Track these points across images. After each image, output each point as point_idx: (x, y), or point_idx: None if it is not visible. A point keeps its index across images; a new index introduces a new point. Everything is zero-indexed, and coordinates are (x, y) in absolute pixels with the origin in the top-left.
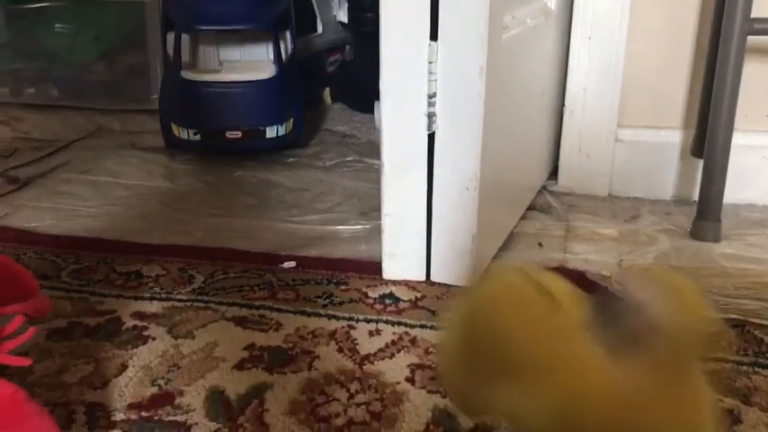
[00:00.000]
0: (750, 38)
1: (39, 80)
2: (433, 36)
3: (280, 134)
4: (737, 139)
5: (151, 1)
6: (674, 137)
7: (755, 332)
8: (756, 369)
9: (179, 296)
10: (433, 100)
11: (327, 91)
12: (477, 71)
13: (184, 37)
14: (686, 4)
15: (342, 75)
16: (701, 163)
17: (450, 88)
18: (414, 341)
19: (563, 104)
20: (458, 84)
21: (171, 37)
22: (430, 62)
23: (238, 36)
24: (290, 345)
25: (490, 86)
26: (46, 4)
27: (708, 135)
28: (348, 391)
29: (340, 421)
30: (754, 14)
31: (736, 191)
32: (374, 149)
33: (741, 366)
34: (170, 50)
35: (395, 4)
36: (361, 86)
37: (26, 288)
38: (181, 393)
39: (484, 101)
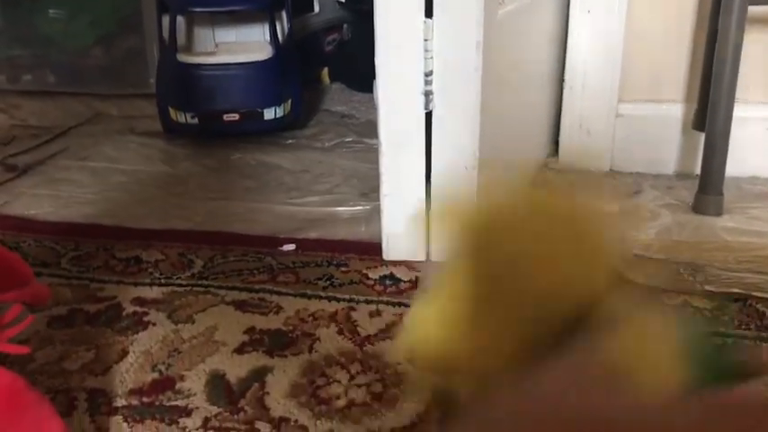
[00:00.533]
0: (751, 8)
1: (35, 66)
2: (428, 13)
3: (278, 116)
4: (739, 112)
5: None
6: (675, 110)
7: (758, 306)
8: (759, 343)
9: (179, 281)
10: (429, 78)
11: (325, 71)
12: (474, 47)
13: (179, 19)
14: None
15: (340, 54)
16: (702, 136)
17: (446, 66)
18: None
19: (562, 80)
20: (454, 61)
21: (166, 20)
22: (425, 40)
23: (234, 17)
24: (291, 327)
25: (487, 63)
26: None
27: (709, 108)
28: (349, 372)
29: (341, 403)
30: None
31: (738, 164)
32: (373, 129)
33: (744, 340)
34: (166, 34)
35: None
36: (359, 65)
37: (21, 276)
38: (181, 378)
39: (481, 78)
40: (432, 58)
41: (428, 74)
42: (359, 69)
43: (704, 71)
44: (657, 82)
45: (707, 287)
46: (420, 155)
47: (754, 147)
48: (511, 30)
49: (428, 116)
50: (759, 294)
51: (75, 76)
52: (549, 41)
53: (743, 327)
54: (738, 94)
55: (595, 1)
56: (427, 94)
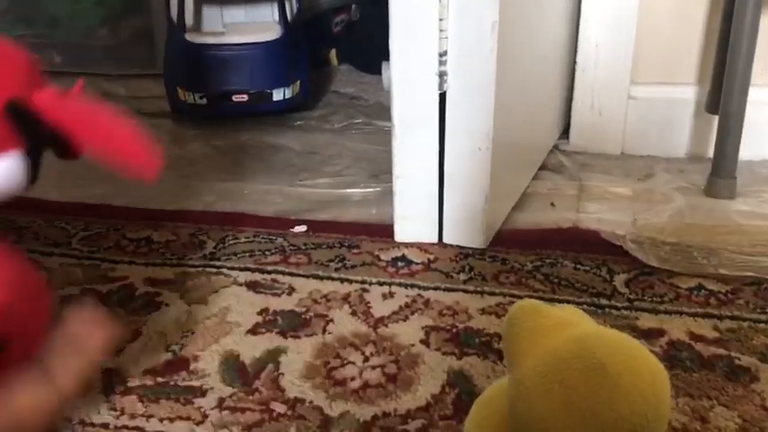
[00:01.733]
0: None
1: (41, 46)
2: None
3: (286, 97)
4: (753, 95)
5: None
6: (688, 93)
7: None
8: None
9: (190, 261)
10: (444, 59)
11: (333, 52)
12: (490, 27)
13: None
14: None
15: (348, 35)
16: (715, 119)
17: (461, 46)
18: (427, 303)
19: (575, 61)
20: (469, 41)
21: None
22: (440, 19)
23: None
24: (304, 309)
25: (502, 43)
26: None
27: (723, 90)
28: (363, 354)
29: (355, 384)
30: None
31: (751, 147)
32: (382, 111)
33: (758, 324)
34: (174, 13)
35: None
36: (368, 47)
37: None
38: (195, 359)
39: (497, 58)
40: (446, 38)
41: (442, 54)
42: (367, 50)
43: (718, 53)
44: (670, 64)
45: (721, 270)
46: (433, 136)
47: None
48: (525, 10)
49: (442, 97)
50: None
51: (81, 57)
52: (562, 22)
53: (758, 310)
54: (753, 77)
55: None
56: (441, 74)
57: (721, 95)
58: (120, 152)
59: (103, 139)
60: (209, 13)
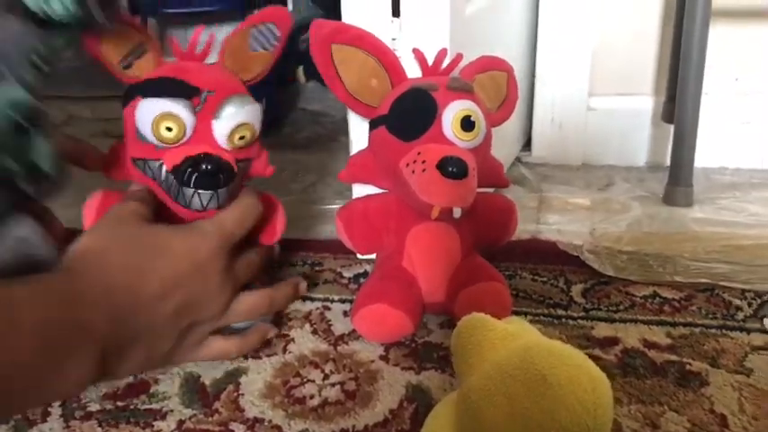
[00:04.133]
0: (717, 2)
1: None
2: (396, 12)
3: None
4: (707, 104)
5: None
6: (645, 103)
7: (724, 295)
8: (724, 332)
9: None
10: None
11: (301, 69)
12: (441, 45)
13: (151, 21)
14: None
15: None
16: (672, 128)
17: (415, 65)
18: None
19: (533, 74)
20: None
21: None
22: (393, 39)
23: (207, 18)
24: None
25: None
26: None
27: (677, 100)
28: (323, 371)
29: (315, 402)
30: None
31: (707, 155)
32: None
33: (709, 330)
34: None
35: None
36: None
37: None
38: (156, 381)
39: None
40: (400, 57)
41: None
42: None
43: (672, 64)
44: (627, 75)
45: (676, 278)
46: None
47: (723, 138)
48: (480, 27)
49: None
50: (725, 284)
51: (46, 79)
52: (520, 36)
53: (710, 316)
54: (706, 86)
55: None
56: None
57: (676, 105)
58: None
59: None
60: (174, 34)
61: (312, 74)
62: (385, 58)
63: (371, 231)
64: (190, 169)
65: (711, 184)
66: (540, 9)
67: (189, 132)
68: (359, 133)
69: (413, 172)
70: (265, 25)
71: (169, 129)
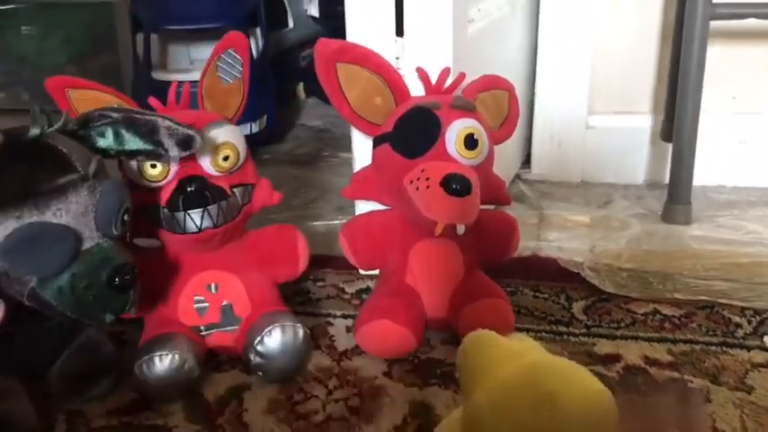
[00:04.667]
0: (714, 22)
1: (9, 84)
2: (399, 32)
3: (253, 131)
4: (705, 122)
5: (120, 2)
6: (644, 122)
7: (724, 312)
8: (724, 349)
9: None
10: None
11: (301, 86)
12: (444, 65)
13: (153, 37)
14: None
15: (315, 69)
16: (670, 147)
17: (419, 84)
18: None
19: (534, 93)
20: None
21: (140, 37)
22: (397, 58)
23: (209, 34)
24: None
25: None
26: (12, 6)
27: (675, 119)
28: (326, 387)
29: (319, 418)
30: (715, 0)
31: (705, 173)
32: (349, 143)
33: (710, 347)
34: (140, 51)
35: (358, 3)
36: None
37: None
38: None
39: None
40: (405, 76)
41: None
42: None
43: (670, 83)
44: (626, 94)
45: (676, 295)
46: None
47: (721, 156)
48: (481, 46)
49: None
50: (725, 301)
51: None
52: (520, 55)
53: (710, 333)
54: (704, 105)
55: (564, 15)
56: None
57: (674, 124)
58: None
59: None
60: (176, 50)
61: (313, 90)
62: (389, 77)
63: (375, 247)
64: (177, 194)
65: (710, 202)
66: (539, 29)
67: (174, 167)
68: (362, 150)
69: (417, 189)
70: (227, 53)
71: (153, 165)
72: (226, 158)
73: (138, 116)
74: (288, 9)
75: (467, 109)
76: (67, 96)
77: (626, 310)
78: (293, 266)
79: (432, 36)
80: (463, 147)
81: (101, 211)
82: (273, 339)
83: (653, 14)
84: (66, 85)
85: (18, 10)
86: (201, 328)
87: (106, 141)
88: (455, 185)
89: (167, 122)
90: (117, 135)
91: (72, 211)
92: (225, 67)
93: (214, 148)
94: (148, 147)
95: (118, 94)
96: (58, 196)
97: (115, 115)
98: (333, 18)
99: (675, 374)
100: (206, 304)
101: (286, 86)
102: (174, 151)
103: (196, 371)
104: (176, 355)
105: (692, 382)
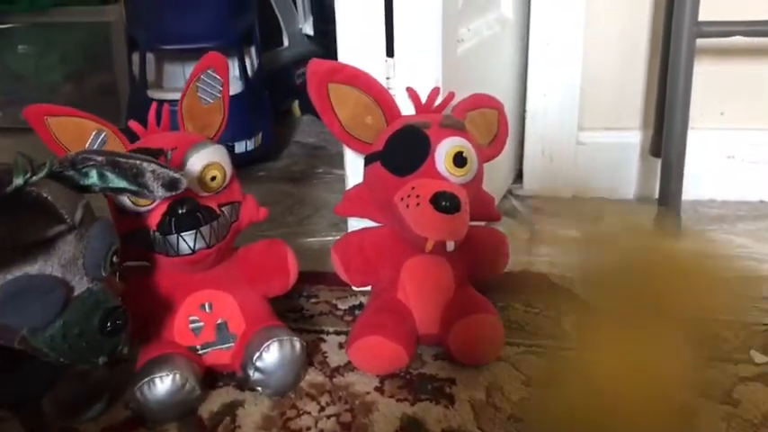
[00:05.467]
0: (701, 40)
1: (6, 103)
2: (390, 52)
3: (248, 149)
4: (694, 138)
5: (116, 21)
6: (633, 137)
7: (712, 326)
8: (712, 363)
9: None
10: None
11: (296, 103)
12: (433, 84)
13: (149, 56)
14: (639, 9)
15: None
16: (659, 162)
17: (409, 103)
18: None
19: (525, 110)
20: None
21: (136, 56)
22: (387, 78)
23: (203, 53)
24: None
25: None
26: (8, 25)
27: (664, 135)
28: (319, 403)
29: None
30: (701, 18)
31: (694, 188)
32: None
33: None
34: (136, 70)
35: (350, 21)
36: None
37: None
38: None
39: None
40: (395, 96)
41: None
42: None
43: (658, 99)
44: (616, 110)
45: None
46: None
47: (710, 171)
48: (471, 66)
49: None
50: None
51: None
52: (510, 73)
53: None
54: (692, 121)
55: (554, 34)
56: None
57: (663, 139)
58: None
59: None
60: (171, 69)
61: (307, 108)
62: (380, 97)
63: (367, 264)
64: (168, 217)
65: (699, 217)
66: (529, 47)
67: None
68: (354, 167)
69: (407, 206)
70: (206, 73)
71: None
72: (213, 179)
73: (121, 159)
74: (282, 28)
75: (456, 128)
76: (46, 124)
77: None
78: (284, 280)
79: (421, 56)
80: (452, 165)
81: (89, 256)
82: (271, 354)
83: (641, 31)
84: (45, 113)
85: (14, 29)
86: (198, 347)
87: (90, 180)
88: (444, 203)
89: (153, 166)
90: (101, 176)
91: (60, 261)
92: (205, 87)
93: (201, 170)
94: (133, 188)
95: (97, 119)
96: (46, 248)
97: (99, 158)
98: (327, 37)
99: None
100: (201, 323)
101: (281, 104)
102: (160, 192)
103: (197, 390)
104: (177, 376)
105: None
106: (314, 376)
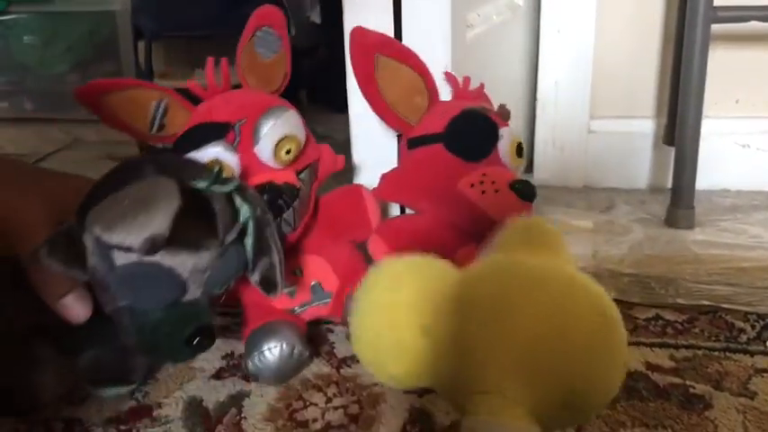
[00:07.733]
0: (716, 26)
1: (12, 93)
2: (398, 38)
3: None
4: (708, 126)
5: (122, 10)
6: (646, 126)
7: (727, 317)
8: (728, 354)
9: None
10: None
11: (304, 93)
12: (442, 71)
13: (155, 45)
14: None
15: (317, 75)
16: (673, 151)
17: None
18: None
19: (535, 98)
20: None
21: (142, 45)
22: None
23: (209, 41)
24: None
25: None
26: (13, 16)
27: (678, 123)
28: (326, 395)
29: (318, 425)
30: (717, 3)
31: (708, 177)
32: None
33: (713, 352)
34: (142, 59)
35: (357, 7)
36: (336, 87)
37: None
38: (159, 405)
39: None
40: None
41: None
42: (336, 90)
43: (672, 87)
44: (628, 98)
45: (678, 300)
46: None
47: (724, 160)
48: (480, 52)
49: (400, 138)
50: (728, 306)
51: (52, 103)
52: (521, 60)
53: (712, 339)
54: (706, 109)
55: (565, 20)
56: None
57: (676, 127)
58: None
59: None
60: (177, 57)
61: (315, 98)
62: (428, 78)
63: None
64: None
65: (713, 207)
66: (540, 33)
67: (237, 171)
68: (362, 154)
69: (483, 192)
70: (262, 30)
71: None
72: (288, 152)
73: (269, 236)
74: (289, 16)
75: (507, 118)
76: (101, 103)
77: (628, 315)
78: (366, 228)
79: (430, 41)
80: (515, 154)
81: (215, 275)
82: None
83: (654, 18)
84: (98, 91)
85: (19, 20)
86: (296, 308)
87: (242, 217)
88: (526, 190)
89: (277, 259)
90: (248, 223)
91: (192, 267)
92: (263, 44)
93: (274, 147)
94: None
95: (151, 85)
96: (189, 250)
97: (263, 216)
98: (334, 24)
99: (677, 380)
100: (294, 287)
101: (289, 93)
102: (257, 277)
103: (305, 353)
104: (284, 344)
105: (694, 387)
106: (320, 367)
